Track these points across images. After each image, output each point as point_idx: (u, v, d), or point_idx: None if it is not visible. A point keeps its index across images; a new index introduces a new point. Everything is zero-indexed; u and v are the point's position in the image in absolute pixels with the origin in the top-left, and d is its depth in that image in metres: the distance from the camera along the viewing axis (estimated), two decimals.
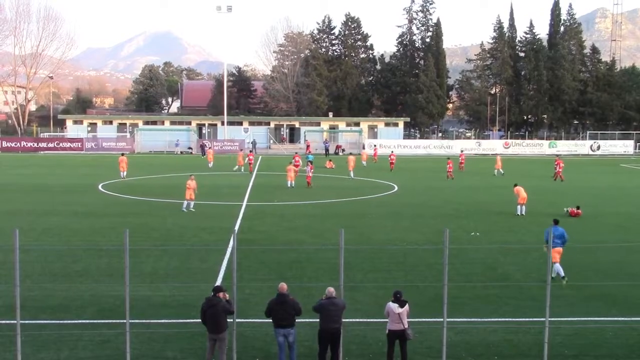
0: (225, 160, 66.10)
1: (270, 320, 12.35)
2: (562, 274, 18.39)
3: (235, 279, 12.21)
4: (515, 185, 32.14)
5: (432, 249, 21.74)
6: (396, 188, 42.26)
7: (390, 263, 20.58)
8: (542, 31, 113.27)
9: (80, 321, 14.74)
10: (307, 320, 12.98)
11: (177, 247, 22.15)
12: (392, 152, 62.39)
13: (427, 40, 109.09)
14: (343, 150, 76.00)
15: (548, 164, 52.12)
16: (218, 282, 17.47)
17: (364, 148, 67.89)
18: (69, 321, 14.69)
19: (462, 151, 64.67)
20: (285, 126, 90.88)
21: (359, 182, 46.69)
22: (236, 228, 25.74)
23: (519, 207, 30.98)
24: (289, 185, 41.58)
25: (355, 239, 23.28)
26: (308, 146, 75.16)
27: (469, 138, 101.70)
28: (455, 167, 52.72)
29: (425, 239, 24.46)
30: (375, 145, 76.19)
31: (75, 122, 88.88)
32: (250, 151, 61.64)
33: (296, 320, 12.30)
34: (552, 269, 18.07)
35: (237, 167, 53.95)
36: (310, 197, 36.94)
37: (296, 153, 58.30)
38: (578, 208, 31.08)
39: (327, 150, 75.54)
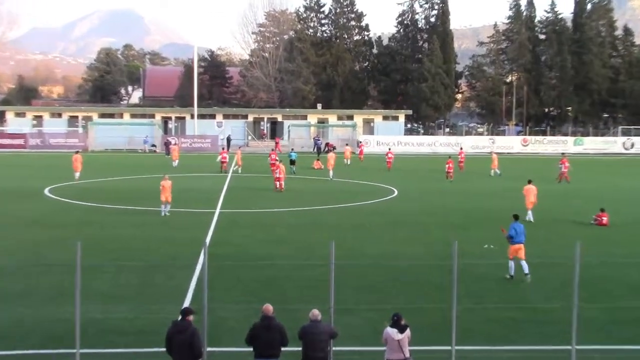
0: (193, 159, 65.96)
1: (250, 349, 12.26)
2: (512, 272, 20.61)
3: (206, 300, 12.15)
4: (530, 181, 32.28)
5: (438, 265, 21.74)
6: (396, 192, 42.33)
7: (388, 281, 20.57)
8: (566, 10, 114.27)
9: (22, 352, 14.59)
10: (290, 348, 12.90)
11: (138, 263, 22.04)
12: (389, 149, 62.50)
13: (432, 19, 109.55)
14: (334, 148, 76.02)
15: (573, 165, 52.40)
16: (186, 303, 17.39)
17: (347, 145, 68.09)
18: (9, 352, 14.54)
19: (461, 149, 65.00)
20: (265, 120, 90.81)
21: (351, 185, 46.73)
22: (207, 240, 25.66)
23: (529, 211, 31.21)
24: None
25: (348, 253, 23.26)
26: (277, 143, 75.00)
27: (480, 134, 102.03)
28: (456, 167, 52.97)
29: (429, 253, 24.51)
30: (360, 142, 76.21)
31: (17, 115, 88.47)
32: (224, 149, 61.62)
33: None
34: (512, 267, 20.78)
35: (239, 168, 54.03)
36: (295, 204, 36.91)
37: (272, 150, 58.51)
38: (603, 211, 31.22)
39: (318, 148, 75.41)
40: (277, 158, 49.36)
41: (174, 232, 27.95)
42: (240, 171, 53.59)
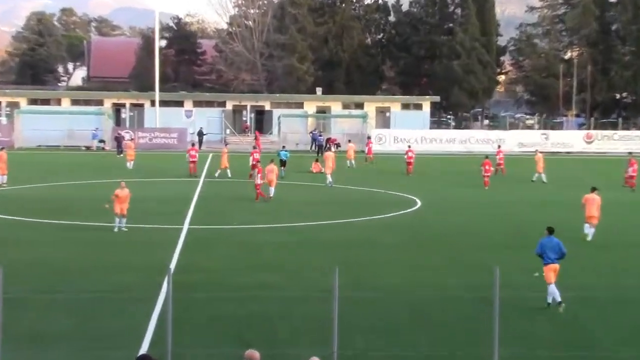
0: (154, 159, 65.93)
1: None
2: (559, 299, 20.89)
3: (170, 344, 12.15)
4: (594, 189, 32.25)
5: (473, 297, 21.76)
6: (419, 204, 42.33)
7: (408, 318, 20.63)
8: None
9: None
10: None
11: (80, 294, 22.01)
12: (409, 147, 62.55)
13: None
14: (339, 146, 76.16)
15: None
16: (144, 349, 17.39)
17: (350, 142, 68.08)
18: None
19: (499, 147, 64.44)
20: (249, 108, 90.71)
21: (358, 194, 46.80)
22: (172, 264, 25.66)
23: (586, 225, 31.24)
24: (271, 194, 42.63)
25: (355, 283, 23.22)
26: (257, 138, 75.04)
27: (530, 127, 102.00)
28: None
29: (461, 282, 24.56)
30: (369, 137, 76.06)
31: None
32: (193, 145, 61.65)
33: None
34: (555, 293, 21.09)
35: (219, 171, 53.64)
36: (285, 218, 37.04)
37: (255, 147, 58.54)
38: None
39: (319, 146, 75.32)
40: (259, 159, 49.30)
41: (129, 254, 27.97)
42: (218, 175, 53.07)
